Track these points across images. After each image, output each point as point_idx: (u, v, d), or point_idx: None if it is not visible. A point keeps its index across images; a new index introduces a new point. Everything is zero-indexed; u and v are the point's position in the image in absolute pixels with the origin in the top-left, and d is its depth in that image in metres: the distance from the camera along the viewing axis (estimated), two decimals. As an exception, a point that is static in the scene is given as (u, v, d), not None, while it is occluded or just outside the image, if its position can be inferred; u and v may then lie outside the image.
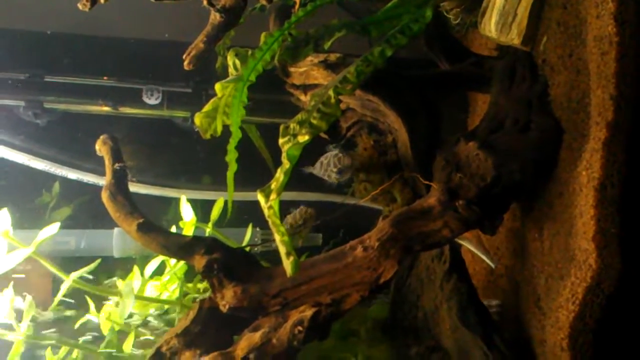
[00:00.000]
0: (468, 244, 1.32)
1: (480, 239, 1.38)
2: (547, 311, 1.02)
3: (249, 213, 1.40)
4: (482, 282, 1.37)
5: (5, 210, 1.19)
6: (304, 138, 0.84)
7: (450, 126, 1.42)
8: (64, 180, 1.56)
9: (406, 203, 1.12)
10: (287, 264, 0.84)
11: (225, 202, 1.26)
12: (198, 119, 1.11)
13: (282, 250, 0.83)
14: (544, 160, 1.03)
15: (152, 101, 1.44)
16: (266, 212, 0.83)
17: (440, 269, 1.14)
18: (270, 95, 1.37)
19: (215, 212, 1.21)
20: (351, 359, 1.19)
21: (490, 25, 1.12)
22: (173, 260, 1.23)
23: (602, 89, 0.92)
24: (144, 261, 1.28)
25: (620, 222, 0.92)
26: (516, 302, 1.18)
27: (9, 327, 1.16)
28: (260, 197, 0.84)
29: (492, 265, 1.30)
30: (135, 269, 1.26)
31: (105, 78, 1.49)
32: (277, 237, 0.83)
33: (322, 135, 1.15)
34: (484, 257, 1.31)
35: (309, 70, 1.05)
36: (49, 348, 1.17)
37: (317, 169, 1.17)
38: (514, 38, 1.09)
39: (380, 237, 0.98)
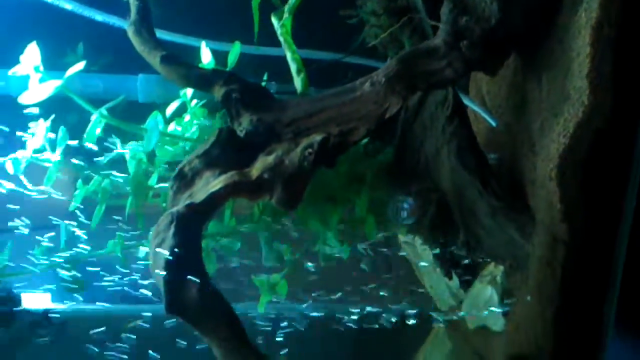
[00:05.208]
0: (471, 103, 1.38)
1: (483, 99, 1.44)
2: (540, 150, 1.09)
3: (268, 69, 1.43)
4: (483, 140, 1.43)
5: (34, 44, 1.23)
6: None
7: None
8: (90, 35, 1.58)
9: (414, 49, 1.17)
10: (298, 80, 0.91)
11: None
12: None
13: (293, 67, 0.90)
14: (547, 7, 1.07)
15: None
16: (279, 31, 0.89)
17: (443, 114, 1.21)
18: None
19: (232, 57, 1.27)
20: (355, 200, 1.29)
21: None
22: (193, 102, 1.30)
23: None
24: (167, 107, 1.35)
25: (614, 61, 0.98)
26: (513, 152, 1.25)
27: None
28: (273, 19, 0.90)
29: (493, 124, 1.36)
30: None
31: None
32: (288, 55, 0.89)
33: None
34: (485, 116, 1.37)
35: None
36: (80, 178, 1.27)
37: None
38: None
39: (387, 73, 1.05)
